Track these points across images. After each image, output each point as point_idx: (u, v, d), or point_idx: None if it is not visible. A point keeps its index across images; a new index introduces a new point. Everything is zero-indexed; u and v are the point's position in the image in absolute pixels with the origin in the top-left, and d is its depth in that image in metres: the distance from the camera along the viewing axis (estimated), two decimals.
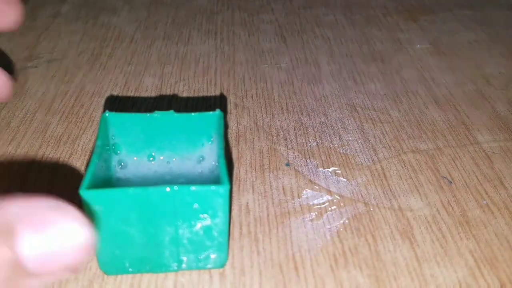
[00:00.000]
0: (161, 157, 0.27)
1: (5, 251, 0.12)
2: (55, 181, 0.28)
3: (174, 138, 0.26)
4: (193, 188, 0.20)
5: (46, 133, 0.32)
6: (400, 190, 0.29)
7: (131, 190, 0.20)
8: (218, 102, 0.36)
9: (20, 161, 0.29)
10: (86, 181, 0.20)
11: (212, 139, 0.26)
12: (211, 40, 0.44)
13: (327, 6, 0.52)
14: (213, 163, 0.26)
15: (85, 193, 0.20)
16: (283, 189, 0.28)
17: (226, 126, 0.26)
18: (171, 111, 0.26)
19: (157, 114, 0.26)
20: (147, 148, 0.26)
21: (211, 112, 0.26)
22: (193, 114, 0.26)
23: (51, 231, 0.13)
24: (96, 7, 0.49)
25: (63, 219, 0.13)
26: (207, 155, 0.27)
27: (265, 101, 0.36)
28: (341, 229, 0.26)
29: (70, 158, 0.30)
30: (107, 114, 0.25)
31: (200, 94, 0.37)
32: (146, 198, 0.20)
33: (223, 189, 0.20)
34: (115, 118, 0.25)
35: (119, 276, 0.23)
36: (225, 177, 0.21)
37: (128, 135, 0.26)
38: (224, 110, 0.35)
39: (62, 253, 0.13)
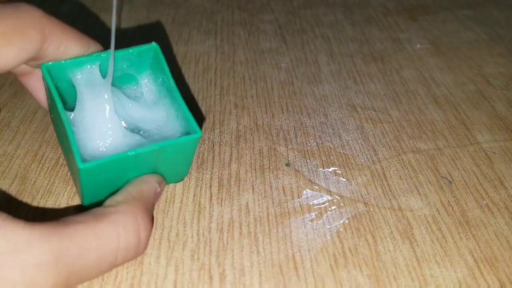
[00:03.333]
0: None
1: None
2: (55, 181, 0.28)
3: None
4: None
5: (46, 133, 0.32)
6: (400, 190, 0.29)
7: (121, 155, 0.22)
8: (218, 102, 0.36)
9: (20, 161, 0.29)
10: (77, 155, 0.21)
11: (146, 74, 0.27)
12: (211, 40, 0.44)
13: (327, 6, 0.52)
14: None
15: (85, 166, 0.21)
16: (283, 189, 0.28)
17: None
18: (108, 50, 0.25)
19: (94, 55, 0.25)
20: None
21: (146, 45, 0.25)
22: (129, 49, 0.25)
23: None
24: (96, 7, 0.49)
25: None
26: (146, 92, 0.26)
27: (265, 101, 0.36)
28: (341, 229, 0.26)
29: None
30: (47, 66, 0.24)
31: (200, 94, 0.37)
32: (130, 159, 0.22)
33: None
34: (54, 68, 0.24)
35: (119, 276, 0.23)
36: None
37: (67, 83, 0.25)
38: (224, 110, 0.35)
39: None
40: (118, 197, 0.22)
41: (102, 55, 0.25)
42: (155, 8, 0.50)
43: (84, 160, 0.21)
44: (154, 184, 0.24)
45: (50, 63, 0.24)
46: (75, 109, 0.24)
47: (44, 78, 0.24)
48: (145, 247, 0.22)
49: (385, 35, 0.47)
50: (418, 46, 0.45)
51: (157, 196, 0.25)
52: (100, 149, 0.24)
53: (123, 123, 0.25)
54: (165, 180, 0.26)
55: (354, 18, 0.50)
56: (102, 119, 0.24)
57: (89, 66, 0.25)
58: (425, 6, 0.53)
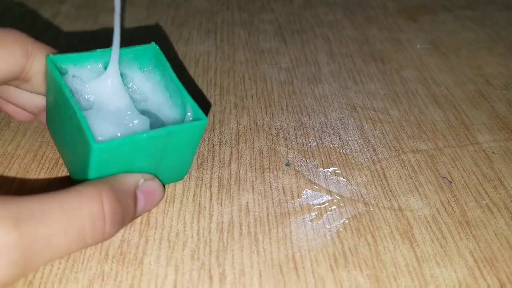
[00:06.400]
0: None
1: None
2: (55, 181, 0.28)
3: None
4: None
5: (46, 133, 0.32)
6: (400, 190, 0.29)
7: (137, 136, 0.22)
8: (218, 102, 0.36)
9: (20, 161, 0.29)
10: (90, 135, 0.22)
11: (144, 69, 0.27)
12: (211, 40, 0.44)
13: (327, 6, 0.52)
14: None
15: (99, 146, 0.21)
16: (283, 189, 0.28)
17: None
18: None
19: (97, 51, 0.26)
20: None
21: (146, 45, 0.27)
22: (128, 48, 0.26)
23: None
24: (96, 7, 0.49)
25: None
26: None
27: (265, 101, 0.36)
28: (341, 229, 0.26)
29: None
30: (51, 57, 0.24)
31: (200, 94, 0.37)
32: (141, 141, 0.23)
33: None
34: (61, 60, 0.25)
35: (119, 276, 0.23)
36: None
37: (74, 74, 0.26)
38: (224, 110, 0.35)
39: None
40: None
41: (105, 52, 0.26)
42: (155, 8, 0.50)
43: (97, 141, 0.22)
44: (138, 176, 0.24)
45: (56, 55, 0.25)
46: (80, 100, 0.25)
47: (49, 70, 0.24)
48: (113, 229, 0.22)
49: (385, 35, 0.47)
50: (418, 46, 0.45)
51: (150, 194, 0.25)
52: (110, 134, 0.24)
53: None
54: (157, 178, 0.26)
55: (354, 18, 0.50)
56: (111, 103, 0.25)
57: (93, 61, 0.26)
58: (425, 7, 0.53)
